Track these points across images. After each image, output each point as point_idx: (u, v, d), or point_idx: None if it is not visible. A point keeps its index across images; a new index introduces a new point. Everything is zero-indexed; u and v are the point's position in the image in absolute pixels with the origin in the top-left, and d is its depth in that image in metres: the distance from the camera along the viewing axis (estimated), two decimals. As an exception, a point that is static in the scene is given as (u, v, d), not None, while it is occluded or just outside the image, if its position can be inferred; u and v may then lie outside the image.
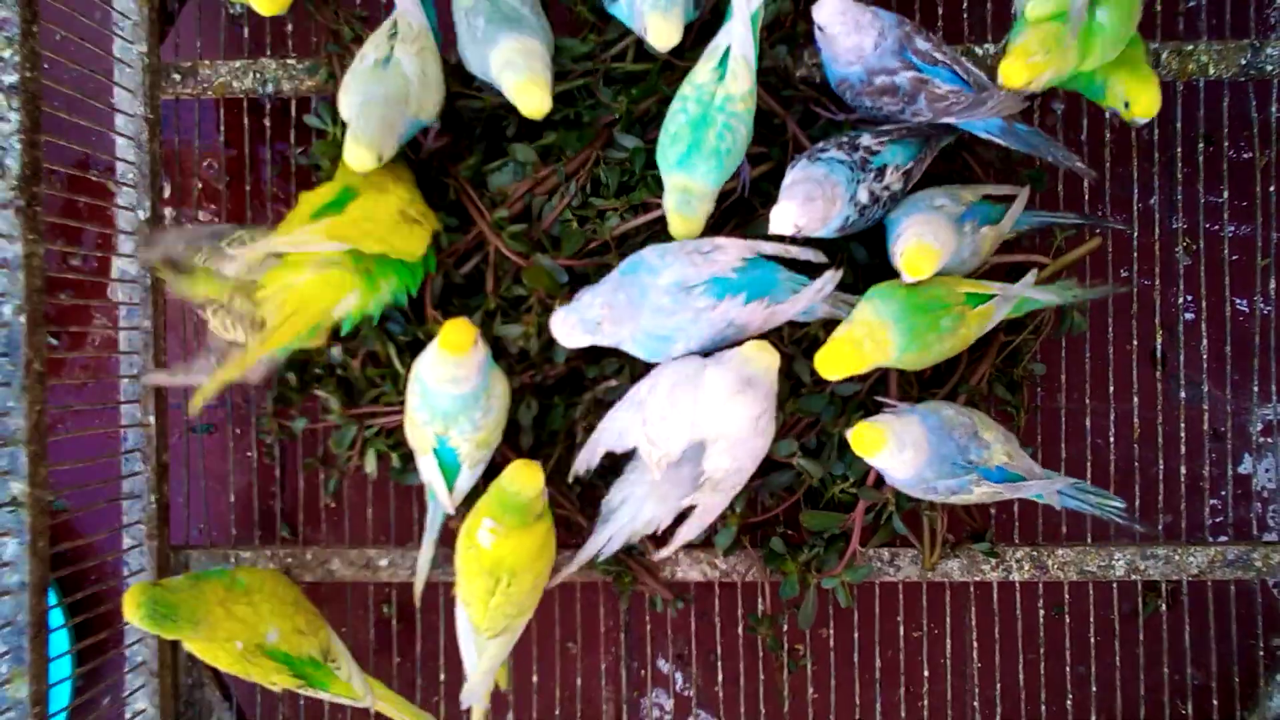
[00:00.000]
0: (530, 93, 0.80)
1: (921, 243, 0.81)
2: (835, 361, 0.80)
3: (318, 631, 0.88)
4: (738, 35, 0.81)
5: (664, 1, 0.82)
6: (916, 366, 0.86)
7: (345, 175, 0.86)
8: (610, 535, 0.87)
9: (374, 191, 0.85)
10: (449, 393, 0.82)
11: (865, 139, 0.85)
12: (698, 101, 0.82)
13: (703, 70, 0.83)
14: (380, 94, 0.82)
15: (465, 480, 0.88)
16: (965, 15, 1.01)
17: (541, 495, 0.81)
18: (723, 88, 0.82)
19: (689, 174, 0.83)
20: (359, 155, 0.80)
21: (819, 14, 0.83)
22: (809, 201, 0.80)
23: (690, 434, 0.81)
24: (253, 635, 0.84)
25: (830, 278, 0.84)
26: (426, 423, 0.85)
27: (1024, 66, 0.79)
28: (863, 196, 0.84)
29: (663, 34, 0.82)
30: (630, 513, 0.86)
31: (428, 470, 0.88)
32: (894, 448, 0.78)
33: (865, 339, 0.79)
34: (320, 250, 0.81)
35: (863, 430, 0.78)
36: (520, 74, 0.80)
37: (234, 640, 0.83)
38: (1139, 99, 0.84)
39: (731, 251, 0.84)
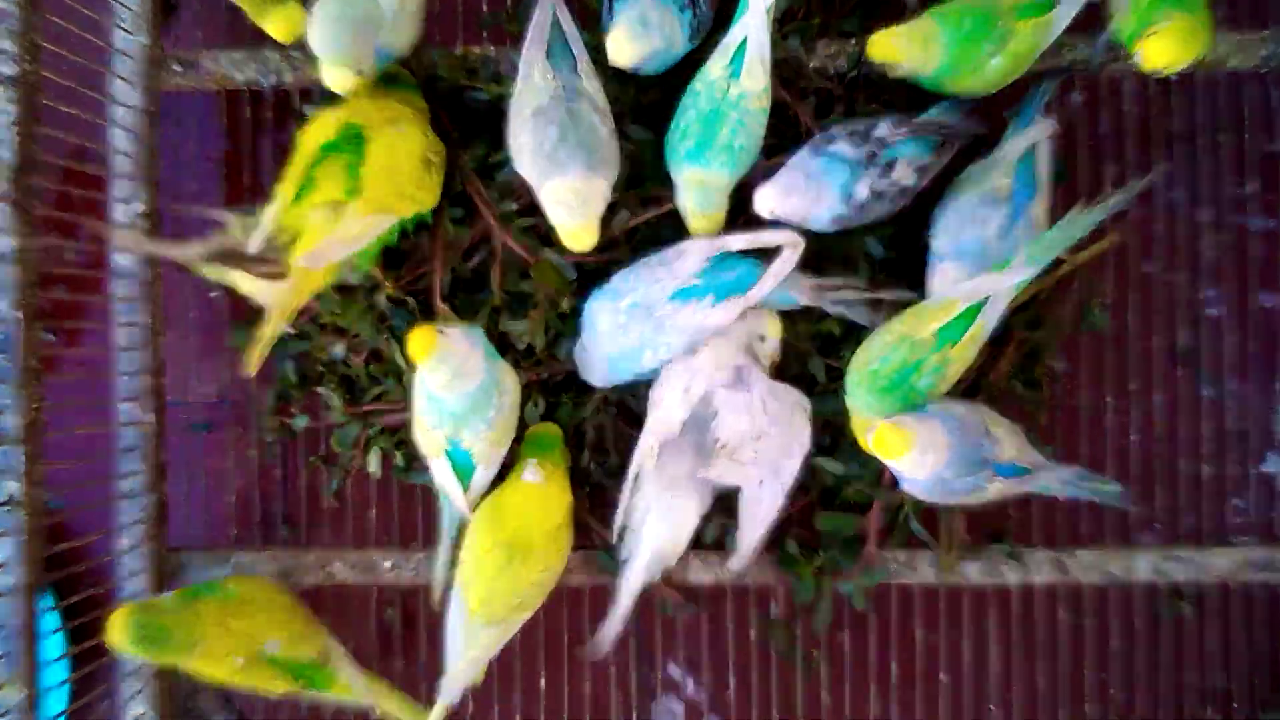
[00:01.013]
0: (579, 239, 0.81)
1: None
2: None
3: (316, 635, 0.86)
4: (754, 32, 0.80)
5: (638, 21, 0.80)
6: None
7: (348, 110, 0.81)
8: (635, 569, 0.84)
9: (389, 130, 0.80)
10: (454, 394, 0.80)
11: (882, 129, 0.84)
12: (709, 98, 0.81)
13: (715, 66, 0.82)
14: (350, 15, 0.78)
15: (481, 479, 0.86)
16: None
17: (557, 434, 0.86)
18: (737, 85, 0.80)
19: (704, 167, 0.82)
20: (336, 76, 0.77)
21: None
22: (787, 195, 0.82)
23: (688, 401, 0.80)
24: (252, 647, 0.81)
25: (788, 257, 0.82)
26: (435, 427, 0.83)
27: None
28: (861, 193, 0.82)
29: (621, 52, 0.81)
30: (647, 535, 0.83)
31: (441, 474, 0.86)
32: (918, 450, 0.75)
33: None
34: (364, 235, 0.78)
35: (886, 432, 0.76)
36: (574, 218, 0.80)
37: (234, 656, 0.80)
38: (1155, 46, 0.77)
39: (693, 256, 0.83)
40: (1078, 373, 1.00)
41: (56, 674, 0.82)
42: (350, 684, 0.86)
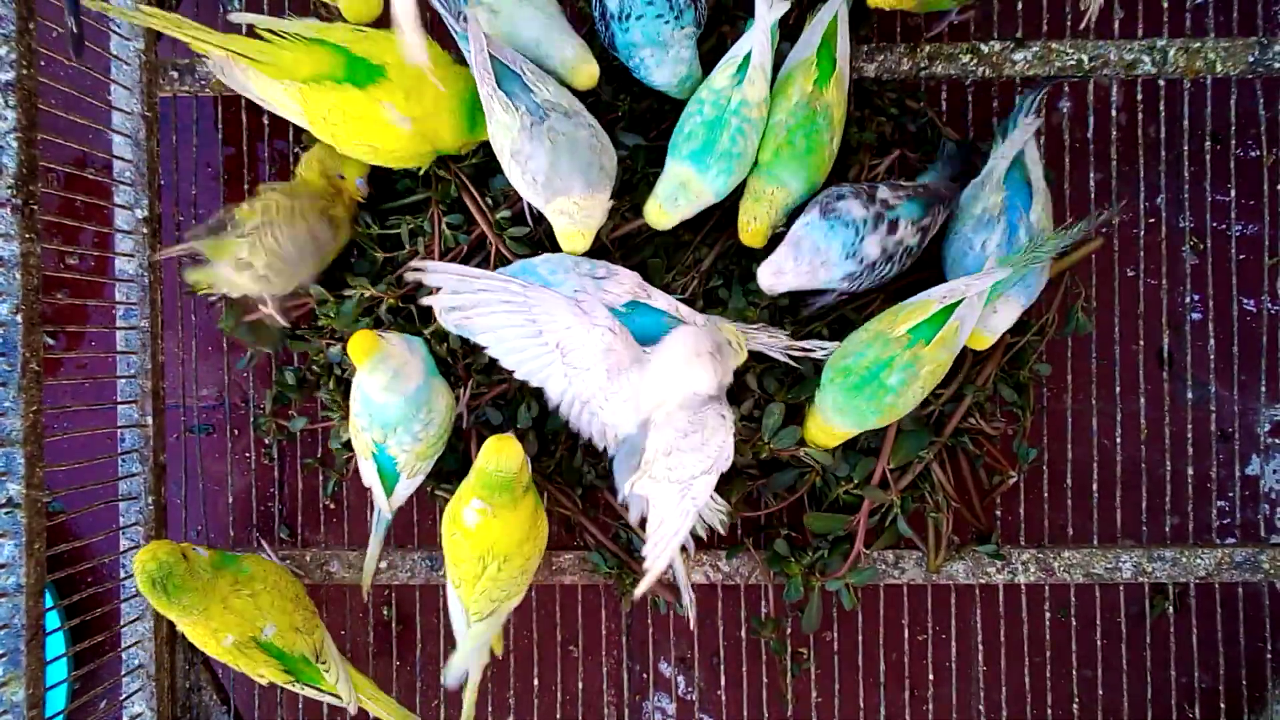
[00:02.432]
0: (574, 243, 0.85)
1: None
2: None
3: (313, 631, 0.87)
4: (758, 44, 0.83)
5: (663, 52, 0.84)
6: (887, 423, 0.85)
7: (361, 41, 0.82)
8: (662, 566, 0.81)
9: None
10: (387, 401, 0.82)
11: (883, 190, 0.85)
12: (714, 105, 0.84)
13: (721, 76, 0.85)
14: None
15: (404, 488, 0.89)
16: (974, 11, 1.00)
17: (525, 468, 0.80)
18: (739, 92, 0.83)
19: (698, 170, 0.84)
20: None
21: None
22: (780, 273, 0.85)
23: (638, 408, 0.80)
24: (249, 629, 0.83)
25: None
26: (365, 429, 0.85)
27: None
28: (871, 252, 0.83)
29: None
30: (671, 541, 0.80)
31: (367, 475, 0.88)
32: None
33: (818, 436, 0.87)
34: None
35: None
36: (574, 226, 0.84)
37: (226, 633, 0.82)
38: None
39: (626, 284, 0.84)
40: (1062, 376, 1.01)
41: (56, 672, 0.83)
42: (338, 685, 0.87)
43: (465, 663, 0.87)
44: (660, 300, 0.85)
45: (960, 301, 0.80)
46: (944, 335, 0.80)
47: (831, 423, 0.84)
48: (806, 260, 0.83)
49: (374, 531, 0.92)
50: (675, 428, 0.78)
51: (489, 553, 0.82)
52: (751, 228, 0.86)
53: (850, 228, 0.82)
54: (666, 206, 0.86)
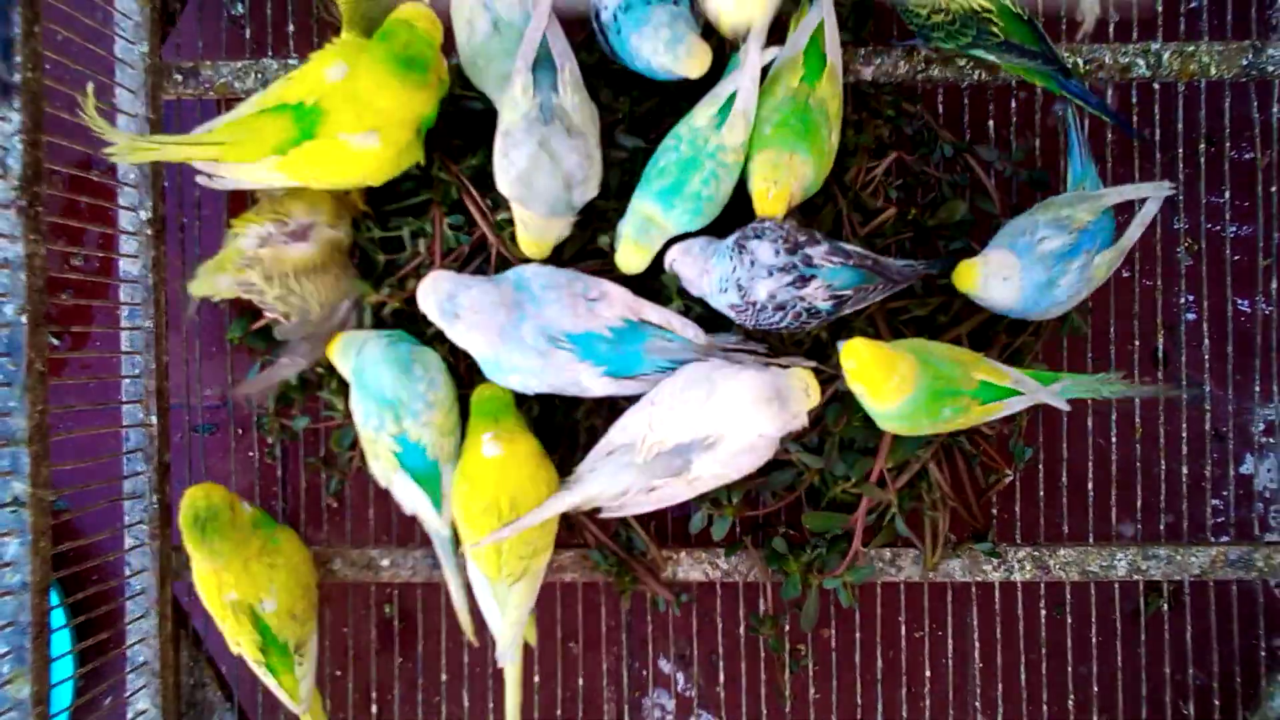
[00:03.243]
0: (531, 251, 0.88)
1: (972, 271, 0.83)
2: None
3: (306, 623, 0.88)
4: (744, 90, 0.82)
5: (669, 37, 0.81)
6: (904, 431, 0.86)
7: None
8: (579, 499, 0.84)
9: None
10: (376, 373, 0.84)
11: (816, 249, 0.82)
12: (691, 144, 0.83)
13: (701, 115, 0.84)
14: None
15: (449, 482, 0.86)
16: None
17: (506, 391, 0.85)
18: (717, 136, 0.82)
19: (664, 209, 0.84)
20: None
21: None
22: (685, 253, 0.85)
23: (694, 430, 0.81)
24: (252, 596, 0.84)
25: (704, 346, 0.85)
26: (377, 428, 0.85)
27: None
28: (759, 293, 0.81)
29: (695, 65, 0.82)
30: (603, 482, 0.84)
31: (405, 492, 0.87)
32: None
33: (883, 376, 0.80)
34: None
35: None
36: (528, 236, 0.87)
37: (232, 589, 0.84)
38: None
39: (616, 307, 0.84)
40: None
41: (61, 669, 0.84)
42: (300, 682, 0.88)
43: (515, 637, 0.86)
44: (653, 315, 0.85)
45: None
46: (991, 408, 0.82)
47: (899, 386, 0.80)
48: (703, 261, 0.83)
49: (444, 562, 0.90)
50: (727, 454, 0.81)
51: (499, 495, 0.82)
52: (773, 192, 0.82)
53: (732, 260, 0.81)
54: (641, 241, 0.85)
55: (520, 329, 0.83)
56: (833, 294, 0.82)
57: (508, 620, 0.85)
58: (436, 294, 0.84)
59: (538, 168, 0.81)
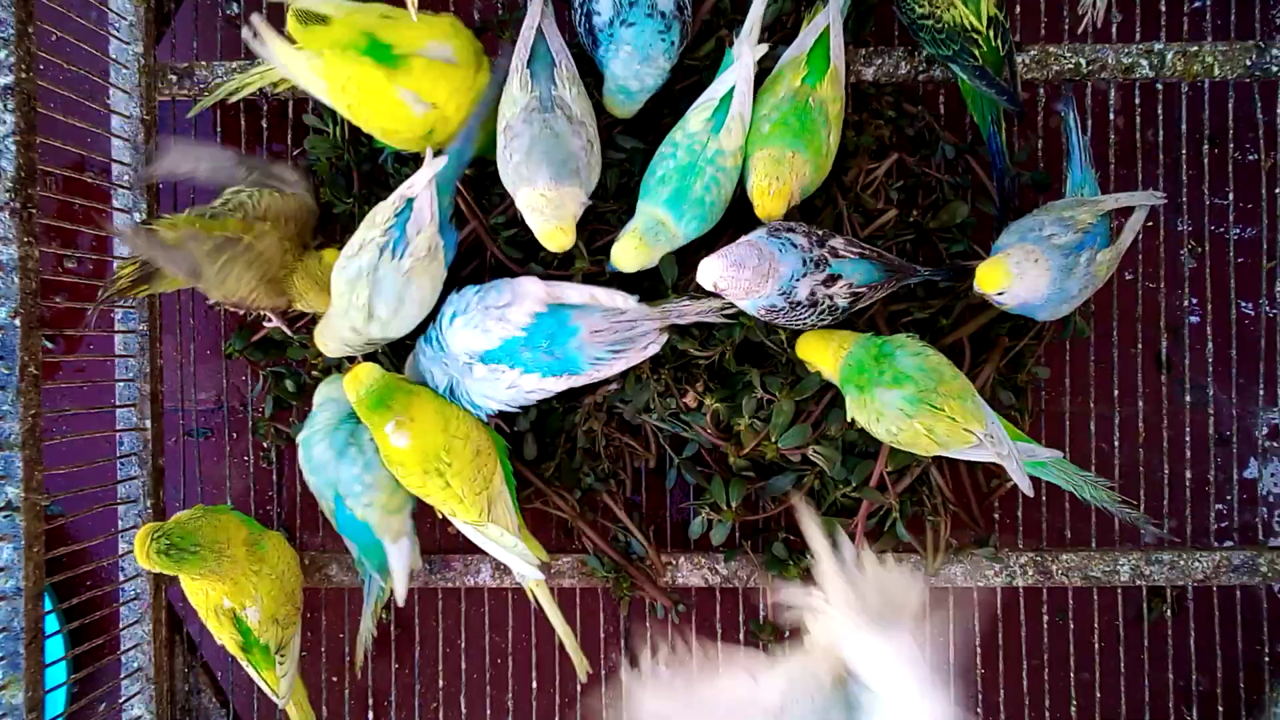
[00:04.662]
0: (555, 240, 0.81)
1: (1002, 265, 0.80)
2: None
3: (289, 626, 0.88)
4: (739, 93, 0.82)
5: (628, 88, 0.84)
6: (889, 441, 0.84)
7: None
8: None
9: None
10: (317, 450, 0.86)
11: (836, 240, 0.82)
12: (688, 150, 0.82)
13: (695, 120, 0.83)
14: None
15: (397, 560, 0.88)
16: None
17: (374, 372, 0.82)
18: (715, 141, 0.82)
19: (674, 216, 0.83)
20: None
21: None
22: (738, 267, 0.78)
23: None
24: (236, 604, 0.84)
25: (646, 332, 0.83)
26: (321, 492, 0.88)
27: None
28: (802, 292, 0.80)
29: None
30: None
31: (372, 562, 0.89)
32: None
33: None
34: None
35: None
36: (547, 222, 0.80)
37: (215, 598, 0.83)
38: None
39: (526, 307, 0.82)
40: (1061, 379, 1.01)
41: (55, 675, 0.83)
42: (282, 680, 0.88)
43: (519, 555, 0.87)
44: (574, 294, 0.84)
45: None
46: (954, 429, 0.79)
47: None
48: (766, 264, 0.78)
49: (365, 601, 0.92)
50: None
51: (426, 459, 0.82)
52: (775, 189, 0.81)
53: (798, 251, 0.80)
54: (647, 239, 0.83)
55: (457, 392, 0.86)
56: (852, 291, 0.82)
57: (506, 544, 0.87)
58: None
59: (539, 142, 0.80)
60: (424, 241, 0.81)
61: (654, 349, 0.85)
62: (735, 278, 0.78)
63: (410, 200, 0.81)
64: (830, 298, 0.82)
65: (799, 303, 0.81)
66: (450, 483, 0.83)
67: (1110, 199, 0.86)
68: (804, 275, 0.80)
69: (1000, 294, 0.82)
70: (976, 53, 0.85)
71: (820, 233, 0.83)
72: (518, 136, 0.81)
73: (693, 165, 0.82)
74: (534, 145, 0.80)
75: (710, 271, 0.79)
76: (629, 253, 0.83)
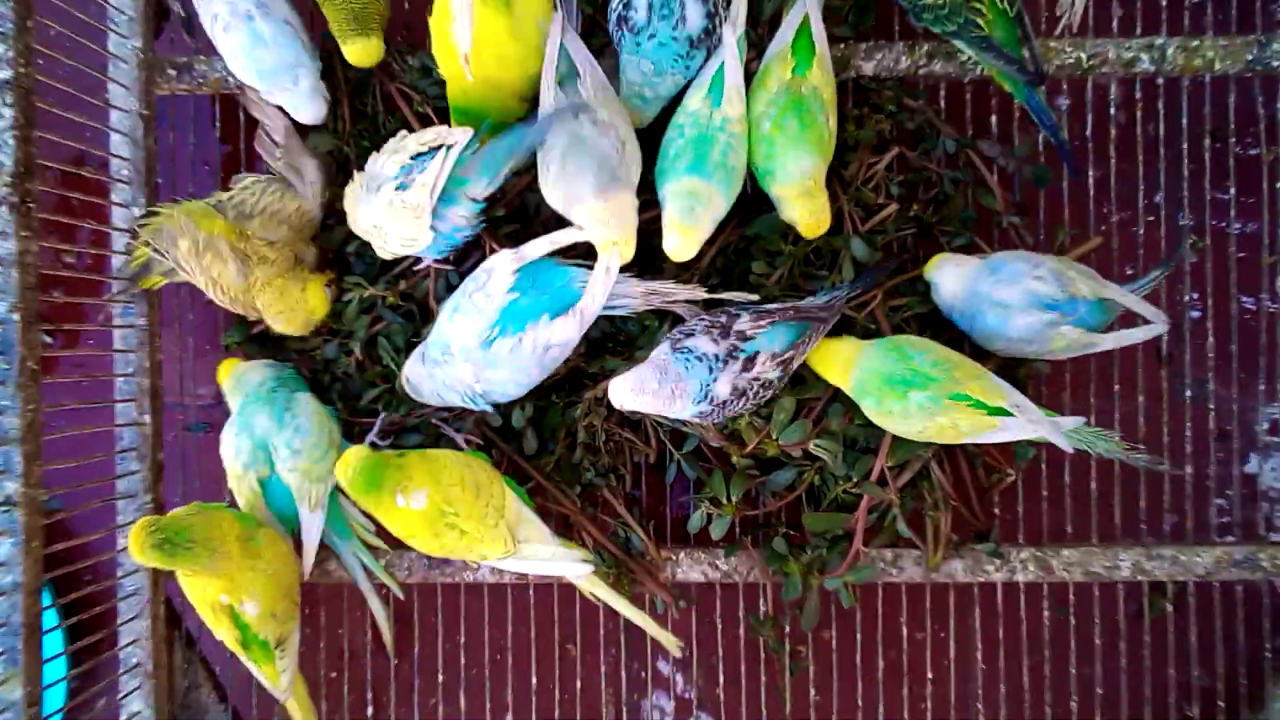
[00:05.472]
0: (627, 253, 0.81)
1: (943, 257, 0.85)
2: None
3: (287, 621, 0.88)
4: (729, 67, 0.83)
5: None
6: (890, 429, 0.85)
7: None
8: None
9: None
10: (249, 410, 0.88)
11: (741, 322, 0.82)
12: (695, 124, 0.84)
13: (695, 99, 0.85)
14: None
15: (310, 530, 0.89)
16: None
17: (360, 452, 0.82)
18: (720, 111, 0.83)
19: (704, 179, 0.82)
20: None
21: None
22: (639, 391, 0.80)
23: None
24: (233, 599, 0.84)
25: (613, 254, 0.81)
26: (247, 464, 0.89)
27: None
28: (722, 390, 0.80)
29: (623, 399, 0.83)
30: None
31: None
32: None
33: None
34: None
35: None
36: (612, 234, 0.81)
37: (212, 593, 0.84)
38: None
39: (502, 272, 0.83)
40: (1061, 374, 1.01)
41: (54, 671, 0.83)
42: (281, 675, 0.88)
43: (572, 566, 0.89)
44: (537, 248, 0.83)
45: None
46: (981, 421, 0.81)
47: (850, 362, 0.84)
48: (670, 385, 0.79)
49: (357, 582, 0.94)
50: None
51: (434, 516, 0.83)
52: (822, 216, 0.85)
53: (704, 363, 0.80)
54: (687, 221, 0.82)
55: (474, 396, 0.87)
56: (778, 361, 0.82)
57: (545, 556, 0.88)
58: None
59: (570, 154, 0.81)
60: (416, 196, 0.81)
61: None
62: (640, 402, 0.80)
63: (435, 150, 0.82)
64: (755, 380, 0.82)
65: (725, 401, 0.81)
66: (465, 529, 0.83)
67: (1118, 291, 0.85)
68: (716, 378, 0.80)
69: (929, 277, 0.89)
70: (981, 22, 0.83)
71: (724, 319, 0.82)
72: (550, 151, 0.82)
73: (704, 135, 0.83)
74: (565, 158, 0.81)
75: (618, 395, 0.81)
76: (679, 244, 0.83)
